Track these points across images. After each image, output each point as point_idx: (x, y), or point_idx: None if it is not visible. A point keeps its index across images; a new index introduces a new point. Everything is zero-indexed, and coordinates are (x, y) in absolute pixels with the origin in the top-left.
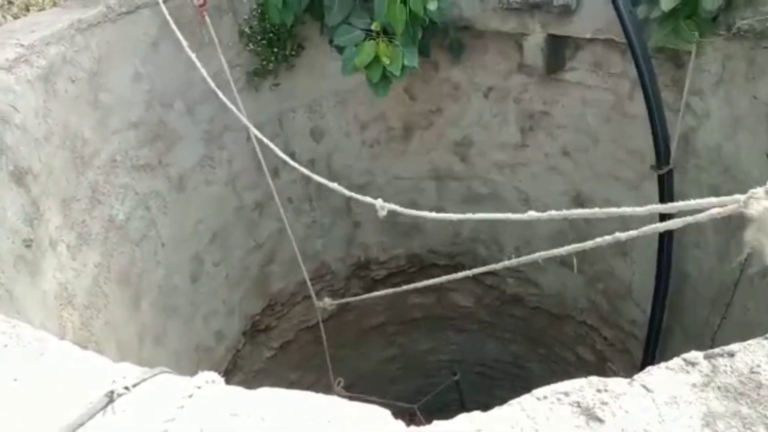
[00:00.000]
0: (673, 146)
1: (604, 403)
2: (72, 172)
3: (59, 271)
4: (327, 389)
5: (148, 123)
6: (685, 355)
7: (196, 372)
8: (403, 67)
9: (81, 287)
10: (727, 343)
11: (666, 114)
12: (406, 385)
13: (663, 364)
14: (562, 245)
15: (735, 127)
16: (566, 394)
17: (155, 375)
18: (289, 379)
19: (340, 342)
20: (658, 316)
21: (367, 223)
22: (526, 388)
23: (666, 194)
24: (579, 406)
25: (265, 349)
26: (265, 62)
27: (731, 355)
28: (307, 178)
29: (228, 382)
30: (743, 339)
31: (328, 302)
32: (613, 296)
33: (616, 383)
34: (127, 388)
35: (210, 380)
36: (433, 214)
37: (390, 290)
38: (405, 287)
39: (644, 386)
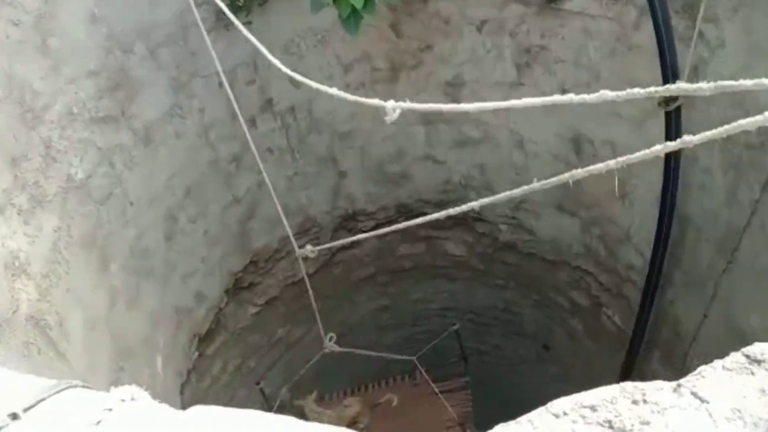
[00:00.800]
0: (683, 79)
1: (645, 423)
2: (21, 128)
3: (9, 239)
4: (316, 342)
5: (107, 70)
6: (747, 350)
7: (174, 338)
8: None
9: (37, 255)
10: (733, 293)
11: (676, 44)
12: (398, 334)
13: (718, 363)
14: (559, 191)
15: (752, 56)
16: (593, 408)
17: (60, 391)
18: (276, 334)
19: (329, 294)
20: (658, 261)
21: (354, 172)
22: (519, 333)
23: (674, 132)
24: (611, 426)
25: (250, 306)
26: None
27: None
28: (287, 127)
29: (211, 341)
30: (753, 286)
31: (309, 249)
32: (610, 241)
33: (657, 391)
34: (14, 415)
35: (128, 398)
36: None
37: (373, 233)
38: (387, 229)
39: (695, 395)
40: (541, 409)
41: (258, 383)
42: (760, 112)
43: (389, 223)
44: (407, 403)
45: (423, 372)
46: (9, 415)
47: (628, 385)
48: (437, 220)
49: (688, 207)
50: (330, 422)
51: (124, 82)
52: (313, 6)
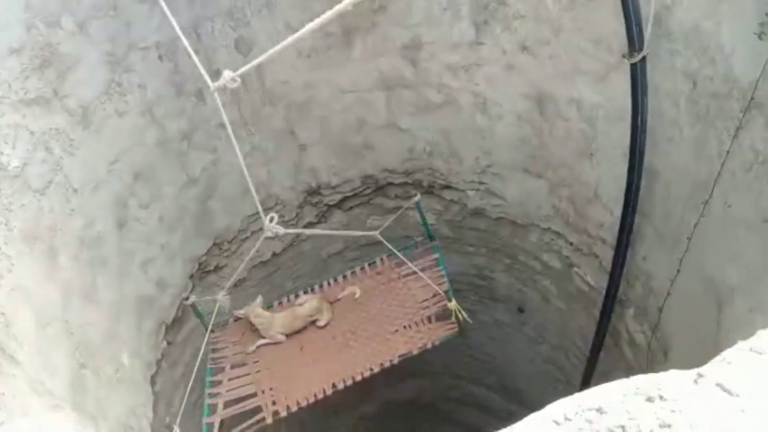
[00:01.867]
0: (647, 30)
1: (666, 427)
2: None
3: None
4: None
5: (31, 47)
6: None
7: (139, 330)
8: None
9: None
10: (706, 246)
11: None
12: None
13: (744, 344)
14: (525, 153)
15: (716, 2)
16: (600, 411)
17: None
18: None
19: (300, 274)
20: (629, 218)
21: (314, 145)
22: (493, 298)
23: (639, 85)
24: (624, 431)
25: (218, 289)
26: None
27: None
28: (239, 100)
29: (180, 328)
30: (725, 237)
31: (275, 224)
32: (578, 201)
33: (675, 384)
34: None
35: None
36: None
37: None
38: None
39: (721, 386)
40: (538, 415)
41: (186, 298)
42: (726, 60)
43: (356, 195)
44: (372, 294)
45: (394, 250)
46: None
47: (640, 379)
48: (404, 190)
49: (657, 162)
50: (283, 324)
51: (53, 59)
52: None
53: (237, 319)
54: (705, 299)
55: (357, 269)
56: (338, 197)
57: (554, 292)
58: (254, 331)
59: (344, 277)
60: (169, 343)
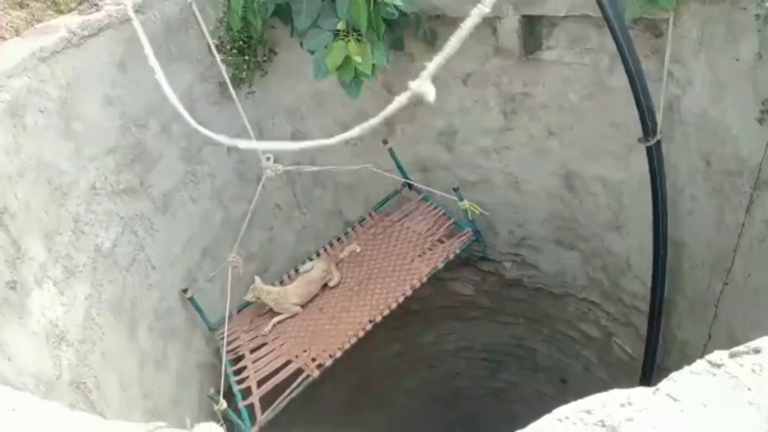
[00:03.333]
0: (659, 116)
1: (630, 420)
2: (51, 205)
3: (48, 309)
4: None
5: (124, 146)
6: (710, 357)
7: (200, 396)
8: (374, 65)
9: (73, 322)
10: (732, 311)
11: (649, 84)
12: (414, 378)
13: (687, 369)
14: (557, 225)
15: (720, 91)
16: (589, 412)
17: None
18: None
19: None
20: (659, 288)
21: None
22: (534, 369)
23: (656, 165)
24: (603, 425)
25: None
26: (237, 71)
27: (757, 351)
28: (293, 183)
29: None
30: (748, 306)
31: (272, 159)
32: (612, 271)
33: (639, 395)
34: None
35: (208, 431)
36: None
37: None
38: None
39: (670, 396)
40: (547, 417)
41: (185, 290)
42: (733, 141)
43: None
44: (373, 245)
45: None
46: None
47: (615, 392)
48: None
49: (681, 233)
50: (299, 293)
51: (141, 155)
52: (318, 74)
53: (239, 311)
54: None
55: (349, 230)
56: None
57: (595, 361)
58: (263, 314)
59: (338, 239)
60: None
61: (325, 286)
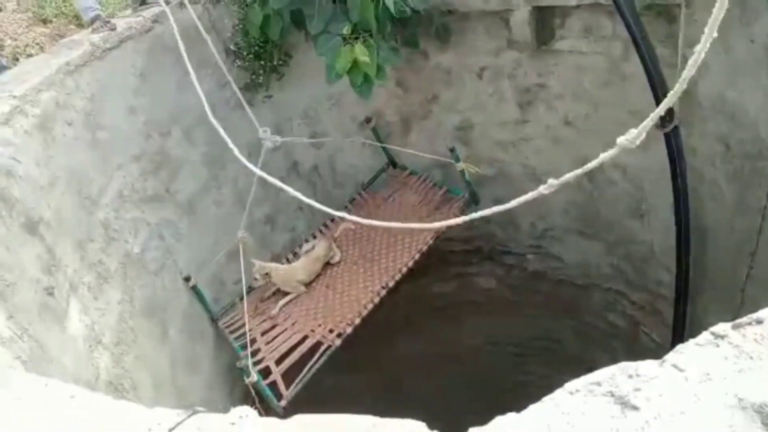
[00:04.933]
0: (675, 102)
1: (638, 390)
2: (82, 214)
3: (84, 314)
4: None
5: (149, 154)
6: (714, 329)
7: (231, 396)
8: (379, 67)
9: (107, 326)
10: (759, 294)
11: (664, 70)
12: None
13: (692, 341)
14: (578, 216)
15: (735, 73)
16: (598, 384)
17: (189, 416)
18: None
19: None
20: (683, 274)
21: None
22: (562, 361)
23: (675, 151)
24: (612, 395)
25: None
26: (254, 76)
27: (759, 322)
28: (314, 185)
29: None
30: None
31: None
32: (636, 260)
33: (646, 367)
34: None
35: (244, 415)
36: None
37: None
38: None
39: (675, 366)
40: (559, 390)
41: (187, 279)
42: (752, 124)
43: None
44: (352, 238)
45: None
46: None
47: (624, 364)
48: (464, 258)
49: (704, 219)
50: (305, 270)
51: (165, 162)
52: (329, 78)
53: (241, 299)
54: None
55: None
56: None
57: (622, 351)
58: (265, 300)
59: (332, 220)
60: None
61: (326, 264)
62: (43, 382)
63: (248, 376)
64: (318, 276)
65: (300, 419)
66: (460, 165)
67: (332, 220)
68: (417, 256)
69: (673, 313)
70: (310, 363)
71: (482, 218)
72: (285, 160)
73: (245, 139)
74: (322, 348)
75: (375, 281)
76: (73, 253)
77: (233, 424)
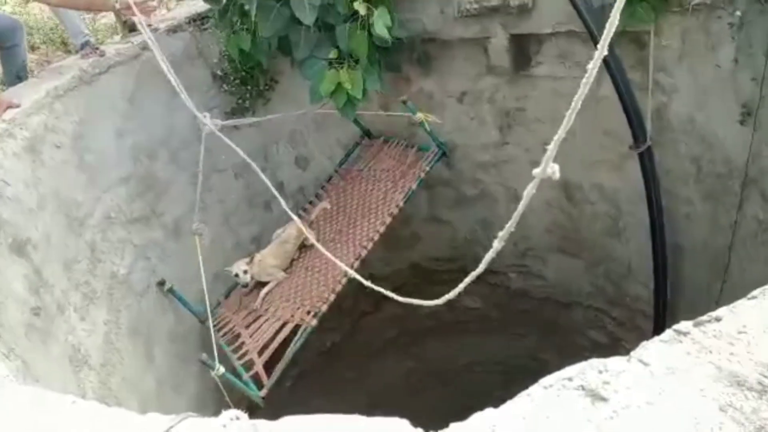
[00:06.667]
0: (648, 123)
1: (606, 383)
2: (70, 235)
3: (70, 334)
4: None
5: (136, 176)
6: (676, 326)
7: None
8: (364, 90)
9: (94, 346)
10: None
11: (636, 93)
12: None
13: (656, 338)
14: (559, 235)
15: (703, 97)
16: (570, 379)
17: (181, 420)
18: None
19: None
20: (661, 291)
21: None
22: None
23: (648, 170)
24: (584, 389)
25: (285, 378)
26: (240, 100)
27: (719, 320)
28: (299, 206)
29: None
30: None
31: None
32: (615, 277)
33: (614, 362)
34: None
35: (234, 417)
36: None
37: None
38: None
39: (641, 361)
40: (535, 386)
41: (162, 283)
42: (720, 145)
43: (404, 284)
44: (342, 197)
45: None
46: None
47: (594, 360)
48: (449, 277)
49: (678, 237)
50: (275, 254)
51: (152, 184)
52: (312, 99)
53: (226, 297)
54: None
55: (320, 191)
56: (389, 287)
57: None
58: (249, 294)
59: (310, 202)
60: None
61: (303, 247)
62: (41, 391)
63: (213, 369)
64: (297, 259)
65: (289, 420)
66: (418, 116)
67: (310, 203)
68: (388, 220)
69: (653, 328)
70: (289, 348)
71: (465, 238)
72: (271, 181)
73: (232, 160)
74: (300, 331)
75: (349, 254)
76: (61, 273)
77: (224, 426)
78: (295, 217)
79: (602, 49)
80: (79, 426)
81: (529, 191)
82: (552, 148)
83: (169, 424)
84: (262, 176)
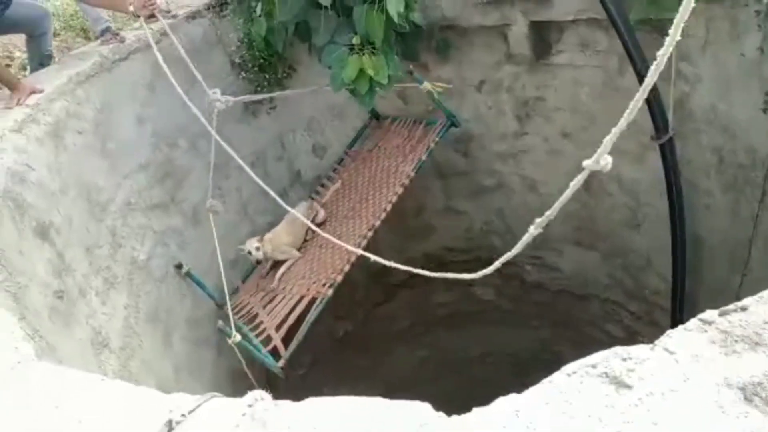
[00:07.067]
0: (670, 114)
1: (631, 370)
2: (91, 220)
3: (92, 318)
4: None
5: (156, 163)
6: (702, 315)
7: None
8: (389, 76)
9: (114, 330)
10: None
11: (658, 83)
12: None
13: (681, 327)
14: (575, 226)
15: (727, 86)
16: (594, 366)
17: (208, 400)
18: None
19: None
20: (679, 283)
21: (380, 229)
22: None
23: (670, 161)
24: (607, 376)
25: (298, 366)
26: (258, 88)
27: (744, 309)
28: (314, 191)
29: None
30: None
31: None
32: (632, 269)
33: (639, 350)
34: (183, 415)
35: (259, 398)
36: None
37: None
38: None
39: (666, 349)
40: (557, 373)
41: (179, 266)
42: (744, 135)
43: (416, 274)
44: (353, 176)
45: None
46: (181, 415)
47: (618, 348)
48: (463, 267)
49: (699, 228)
50: (287, 231)
51: (172, 171)
52: (335, 87)
53: (243, 281)
54: None
55: (331, 173)
56: (404, 276)
57: None
58: (266, 276)
59: (322, 185)
60: None
61: (314, 222)
62: (70, 370)
63: (230, 336)
64: (310, 239)
65: (313, 401)
66: (425, 85)
67: (322, 185)
68: (400, 190)
69: (670, 322)
70: (306, 320)
71: (481, 229)
72: (288, 171)
73: (249, 149)
74: (316, 303)
75: (362, 226)
76: (82, 258)
77: (250, 406)
78: (292, 210)
79: (673, 38)
80: (110, 402)
81: (577, 182)
82: (609, 139)
83: (197, 403)
84: (250, 172)
